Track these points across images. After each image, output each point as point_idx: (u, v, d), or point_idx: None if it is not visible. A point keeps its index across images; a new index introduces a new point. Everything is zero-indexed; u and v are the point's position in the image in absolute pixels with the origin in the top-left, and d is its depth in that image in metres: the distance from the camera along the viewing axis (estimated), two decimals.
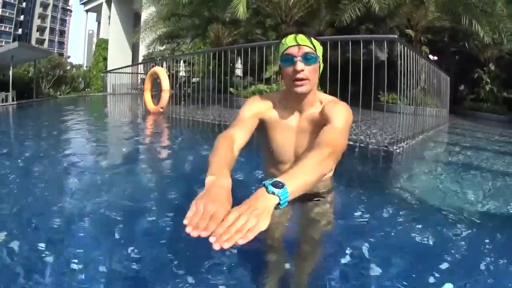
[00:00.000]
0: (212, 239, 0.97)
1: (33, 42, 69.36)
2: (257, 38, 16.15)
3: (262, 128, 1.93)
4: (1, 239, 2.30)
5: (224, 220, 1.02)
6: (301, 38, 1.71)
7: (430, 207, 3.30)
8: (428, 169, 5.29)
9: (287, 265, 2.01)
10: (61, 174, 4.11)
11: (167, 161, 5.31)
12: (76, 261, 2.07)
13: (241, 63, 13.10)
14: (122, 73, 20.00)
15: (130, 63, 29.99)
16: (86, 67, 42.34)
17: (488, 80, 17.15)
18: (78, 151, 5.43)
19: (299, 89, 1.73)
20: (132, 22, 36.85)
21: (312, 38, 1.74)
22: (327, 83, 5.98)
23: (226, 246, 0.96)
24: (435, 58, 14.84)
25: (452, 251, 2.35)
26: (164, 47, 22.42)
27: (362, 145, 6.07)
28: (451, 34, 17.60)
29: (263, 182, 1.13)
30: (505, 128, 12.07)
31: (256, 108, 1.88)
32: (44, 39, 77.36)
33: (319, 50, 1.76)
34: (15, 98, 15.74)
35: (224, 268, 2.05)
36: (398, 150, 5.87)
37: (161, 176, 4.40)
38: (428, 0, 13.64)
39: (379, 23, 16.20)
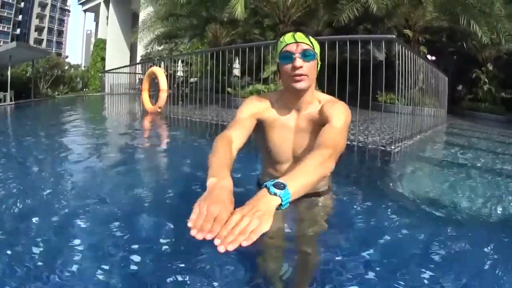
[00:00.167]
0: (216, 242, 0.97)
1: (31, 42, 69.26)
2: (255, 38, 16.16)
3: (260, 128, 1.92)
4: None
5: (227, 222, 1.01)
6: (299, 35, 1.72)
7: (427, 207, 3.30)
8: (425, 169, 5.30)
9: (285, 265, 2.00)
10: (58, 174, 4.10)
11: (164, 161, 5.31)
12: (75, 261, 2.07)
13: (239, 63, 13.06)
14: (120, 73, 19.99)
15: (128, 63, 29.99)
16: (84, 67, 42.33)
17: (486, 80, 17.18)
18: (76, 151, 5.40)
19: (298, 85, 1.73)
20: (130, 22, 36.77)
21: (310, 36, 1.75)
22: (325, 83, 5.98)
23: (230, 248, 0.95)
24: (433, 58, 14.85)
25: (450, 250, 2.35)
26: (162, 47, 22.40)
27: (360, 145, 6.07)
28: (449, 34, 17.64)
29: (264, 184, 1.13)
30: (503, 128, 12.10)
31: (253, 108, 1.88)
32: (42, 39, 77.22)
33: (317, 47, 1.77)
34: (13, 98, 15.70)
35: (223, 268, 2.04)
36: (396, 150, 5.88)
37: (159, 175, 4.40)
38: (426, 0, 13.65)
39: (377, 23, 16.22)
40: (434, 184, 4.29)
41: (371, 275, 2.02)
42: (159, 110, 10.99)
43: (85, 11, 47.88)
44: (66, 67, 28.46)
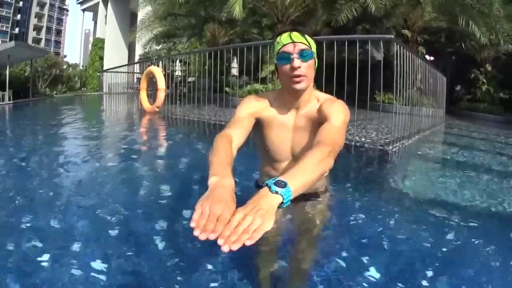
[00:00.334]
0: (220, 241, 0.96)
1: (29, 41, 69.20)
2: (253, 38, 16.18)
3: (258, 127, 1.92)
4: None
5: (230, 221, 1.01)
6: (296, 35, 1.72)
7: (425, 206, 3.30)
8: (423, 169, 5.30)
9: (283, 265, 2.00)
10: (56, 173, 4.08)
11: (162, 160, 5.29)
12: (73, 260, 2.06)
13: (237, 62, 13.06)
14: (118, 72, 19.97)
15: (126, 62, 29.94)
16: (83, 66, 42.27)
17: (484, 80, 17.19)
18: (73, 151, 5.40)
19: (298, 86, 1.73)
20: (128, 22, 36.78)
21: (306, 35, 1.75)
22: (323, 83, 5.98)
23: (234, 247, 0.95)
24: (432, 58, 14.86)
25: (448, 250, 2.35)
26: (160, 46, 22.41)
27: (358, 144, 6.07)
28: (447, 34, 17.66)
29: (265, 182, 1.13)
30: (502, 128, 12.10)
31: (252, 108, 1.88)
32: (41, 38, 77.18)
33: (313, 46, 1.77)
34: (11, 98, 15.68)
35: (221, 268, 2.04)
36: (394, 150, 5.88)
37: (156, 175, 4.39)
38: (424, 1, 13.63)
39: (375, 23, 16.23)
40: (432, 184, 4.29)
41: (369, 275, 2.01)
42: (157, 109, 10.97)
43: (83, 10, 47.94)
44: (65, 67, 28.38)
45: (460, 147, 7.42)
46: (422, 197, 3.65)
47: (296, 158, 1.83)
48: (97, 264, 2.03)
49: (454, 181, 4.43)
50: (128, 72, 23.13)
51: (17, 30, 70.62)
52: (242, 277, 1.97)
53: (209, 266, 2.04)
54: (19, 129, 8.35)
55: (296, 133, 1.87)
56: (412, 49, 10.94)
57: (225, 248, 0.95)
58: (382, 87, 6.29)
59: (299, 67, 1.69)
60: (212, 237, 0.97)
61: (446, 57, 18.90)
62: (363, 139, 6.44)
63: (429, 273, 2.03)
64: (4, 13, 67.70)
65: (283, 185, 1.11)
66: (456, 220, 2.94)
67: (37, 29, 77.32)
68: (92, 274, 1.94)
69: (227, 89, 12.12)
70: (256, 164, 2.21)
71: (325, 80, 5.98)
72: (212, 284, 1.91)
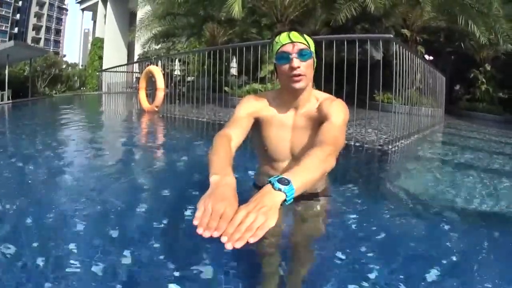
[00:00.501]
0: (223, 239, 0.96)
1: (29, 41, 69.20)
2: (252, 37, 16.16)
3: (257, 127, 1.92)
4: None
5: (233, 219, 1.01)
6: (294, 35, 1.71)
7: (424, 206, 3.31)
8: (422, 168, 5.30)
9: (282, 266, 2.00)
10: (55, 173, 4.09)
11: (161, 160, 5.30)
12: (72, 261, 2.06)
13: (236, 62, 13.09)
14: (117, 72, 19.99)
15: (125, 62, 29.93)
16: (82, 65, 42.25)
17: (483, 80, 17.21)
18: (73, 150, 5.41)
19: (297, 85, 1.73)
20: (127, 21, 36.76)
21: (305, 35, 1.74)
22: (322, 82, 5.98)
23: (238, 245, 0.95)
24: (431, 58, 14.86)
25: (447, 249, 2.35)
26: (159, 46, 22.41)
27: (357, 144, 6.07)
28: (447, 34, 17.66)
29: (268, 179, 1.13)
30: (501, 128, 12.12)
31: (251, 107, 1.88)
32: (40, 38, 77.13)
33: (312, 45, 1.77)
34: (10, 97, 15.67)
35: (220, 269, 2.04)
36: (393, 150, 5.88)
37: (155, 174, 4.39)
38: (424, 0, 13.63)
39: (374, 23, 16.23)
40: (431, 183, 4.30)
41: (369, 275, 2.01)
42: (156, 109, 10.97)
43: (83, 10, 47.85)
44: (64, 66, 28.38)
45: (459, 146, 7.43)
46: (421, 197, 3.65)
47: (295, 157, 1.83)
48: (97, 264, 2.03)
49: (454, 181, 4.43)
50: (127, 72, 23.12)
51: (16, 29, 70.55)
52: (242, 277, 1.97)
53: (209, 266, 2.04)
54: (18, 128, 8.34)
55: (295, 133, 1.87)
56: (411, 48, 10.95)
57: (228, 246, 0.95)
58: (381, 86, 6.30)
59: (298, 66, 1.69)
60: (215, 234, 0.97)
61: (446, 57, 18.90)
62: (362, 138, 6.44)
63: (429, 273, 2.03)
64: (3, 13, 67.64)
65: (286, 182, 1.11)
66: (456, 220, 2.94)
67: (37, 28, 77.25)
68: (92, 274, 1.94)
69: (226, 88, 12.11)
70: (254, 164, 2.20)
71: (324, 80, 5.98)
72: (213, 284, 1.91)
